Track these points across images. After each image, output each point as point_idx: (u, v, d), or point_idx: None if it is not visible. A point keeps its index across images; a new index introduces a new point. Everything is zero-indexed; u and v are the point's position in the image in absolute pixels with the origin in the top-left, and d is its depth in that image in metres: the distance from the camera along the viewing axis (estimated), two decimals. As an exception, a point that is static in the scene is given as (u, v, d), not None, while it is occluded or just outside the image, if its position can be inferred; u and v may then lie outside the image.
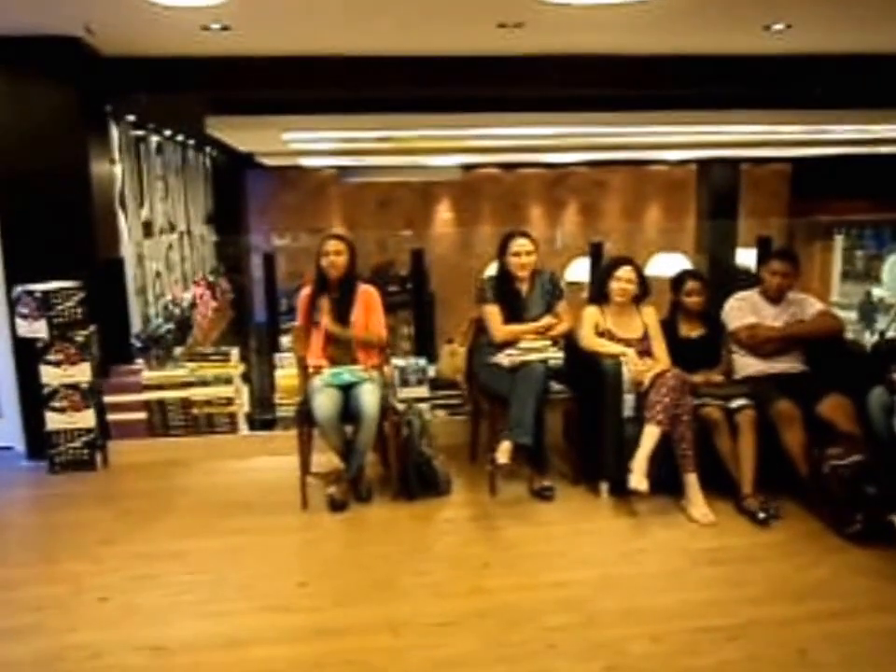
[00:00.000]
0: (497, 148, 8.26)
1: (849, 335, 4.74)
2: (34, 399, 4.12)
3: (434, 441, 3.78)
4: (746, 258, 7.50)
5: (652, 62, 4.71)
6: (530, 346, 3.65)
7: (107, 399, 4.22)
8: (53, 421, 4.06)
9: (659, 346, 3.72)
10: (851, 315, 7.76)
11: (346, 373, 3.59)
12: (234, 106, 5.55)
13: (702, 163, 10.27)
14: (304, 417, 3.59)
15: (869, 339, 7.44)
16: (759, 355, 3.77)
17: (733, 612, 2.69)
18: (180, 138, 7.22)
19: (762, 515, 3.30)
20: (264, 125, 5.91)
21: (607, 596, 2.81)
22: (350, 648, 2.52)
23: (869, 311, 8.00)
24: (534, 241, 3.81)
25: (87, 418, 4.10)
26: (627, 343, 3.70)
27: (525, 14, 3.77)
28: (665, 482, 3.45)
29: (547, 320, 3.79)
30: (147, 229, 6.00)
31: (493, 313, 3.78)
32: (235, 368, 4.40)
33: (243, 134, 6.90)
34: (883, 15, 3.93)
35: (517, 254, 3.76)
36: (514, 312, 3.79)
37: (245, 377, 4.62)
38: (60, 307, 3.99)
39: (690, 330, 3.88)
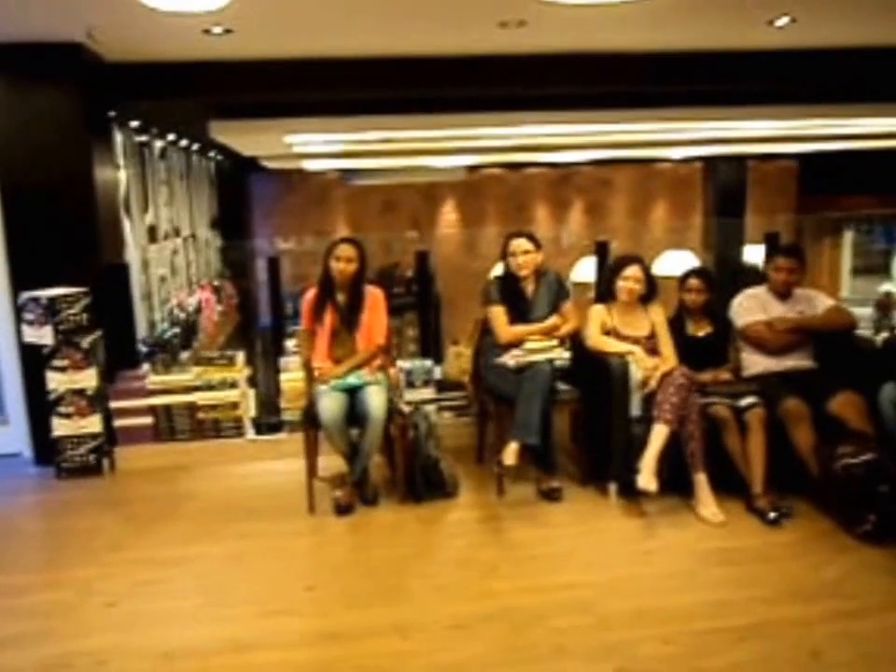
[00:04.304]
0: (502, 148, 8.23)
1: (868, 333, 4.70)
2: (40, 406, 4.12)
3: (441, 443, 3.76)
4: (753, 254, 7.46)
5: (656, 59, 4.69)
6: (536, 347, 3.63)
7: (113, 404, 4.22)
8: (60, 427, 4.06)
9: (666, 345, 3.69)
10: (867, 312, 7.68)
11: (352, 376, 3.57)
12: (238, 110, 5.55)
13: (708, 160, 10.22)
14: (310, 421, 3.58)
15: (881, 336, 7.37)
16: (768, 352, 3.73)
17: (744, 613, 2.66)
18: (184, 143, 7.24)
19: (772, 515, 3.27)
20: (267, 129, 5.90)
21: (616, 598, 2.78)
22: (358, 652, 2.51)
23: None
24: (534, 241, 3.79)
25: (93, 424, 4.09)
26: (634, 341, 3.67)
27: (527, 13, 3.76)
28: (674, 481, 3.42)
29: (553, 321, 3.76)
30: (152, 234, 6.01)
31: (498, 314, 3.76)
32: (241, 372, 4.39)
33: (246, 138, 6.89)
34: (887, 7, 3.89)
35: (514, 254, 3.75)
36: (520, 312, 3.76)
37: (251, 381, 4.61)
38: (65, 313, 3.99)
39: (697, 329, 3.85)
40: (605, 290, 3.86)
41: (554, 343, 3.69)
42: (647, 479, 3.29)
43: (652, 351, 3.66)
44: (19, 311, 4.06)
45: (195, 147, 7.69)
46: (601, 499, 3.60)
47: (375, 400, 3.45)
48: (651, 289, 3.78)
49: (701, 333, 3.84)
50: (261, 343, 6.01)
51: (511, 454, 3.41)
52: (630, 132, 7.04)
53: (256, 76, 4.52)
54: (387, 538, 3.36)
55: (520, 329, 3.72)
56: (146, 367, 4.51)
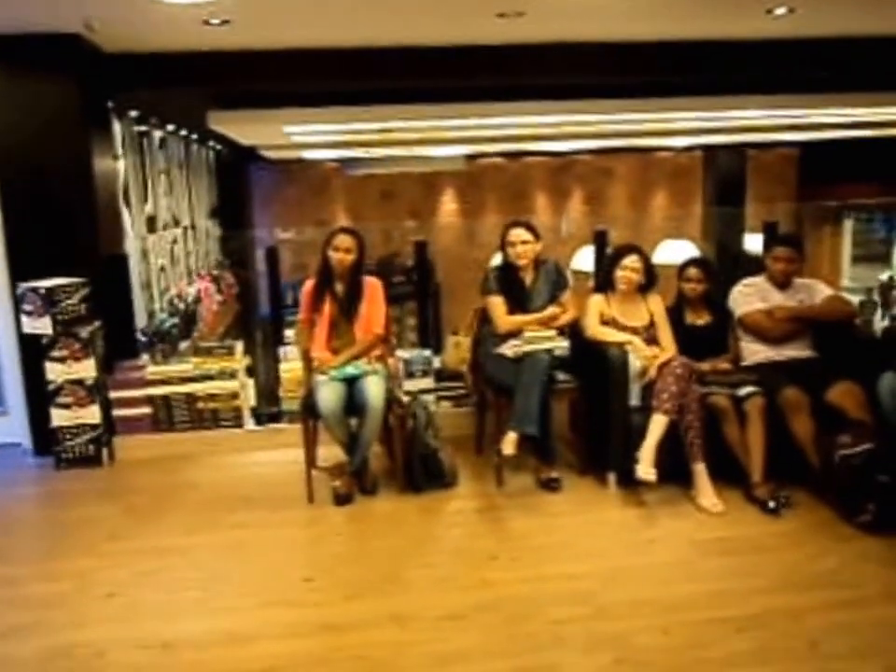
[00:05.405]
0: (501, 137, 8.20)
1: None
2: (39, 396, 4.13)
3: (439, 433, 3.76)
4: (753, 243, 7.44)
5: (656, 48, 4.66)
6: (535, 336, 3.62)
7: (113, 394, 4.22)
8: (59, 417, 4.06)
9: (665, 335, 3.69)
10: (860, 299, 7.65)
11: (350, 366, 3.57)
12: (236, 100, 5.53)
13: (708, 149, 10.18)
14: (309, 411, 3.58)
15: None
16: (767, 341, 3.73)
17: (742, 603, 2.66)
18: (183, 133, 7.20)
19: (771, 504, 3.27)
20: (266, 119, 5.88)
21: (615, 588, 2.78)
22: (356, 642, 2.51)
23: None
24: (533, 230, 3.78)
25: (92, 414, 4.09)
26: (633, 331, 3.67)
27: (525, 3, 3.73)
28: (673, 471, 3.42)
29: (551, 310, 3.76)
30: (151, 224, 5.99)
31: (497, 303, 3.75)
32: (240, 362, 4.39)
33: (245, 128, 6.87)
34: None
35: (513, 244, 3.75)
36: (519, 302, 3.76)
37: (250, 371, 4.61)
38: (64, 303, 3.99)
39: (696, 318, 3.85)
40: (604, 280, 3.85)
41: (553, 332, 3.69)
42: (646, 469, 3.30)
43: (651, 341, 3.66)
44: (18, 301, 4.06)
45: (194, 136, 7.65)
46: (600, 489, 3.60)
47: (374, 390, 3.45)
48: (650, 279, 3.77)
49: (700, 323, 3.84)
50: (260, 333, 6.00)
51: (509, 443, 3.41)
52: (630, 121, 7.01)
53: (254, 66, 4.50)
54: (386, 528, 3.36)
55: (519, 318, 3.72)
56: (145, 357, 4.52)
